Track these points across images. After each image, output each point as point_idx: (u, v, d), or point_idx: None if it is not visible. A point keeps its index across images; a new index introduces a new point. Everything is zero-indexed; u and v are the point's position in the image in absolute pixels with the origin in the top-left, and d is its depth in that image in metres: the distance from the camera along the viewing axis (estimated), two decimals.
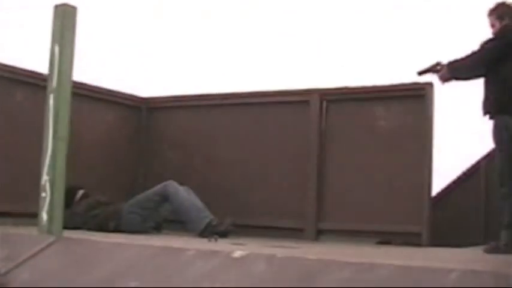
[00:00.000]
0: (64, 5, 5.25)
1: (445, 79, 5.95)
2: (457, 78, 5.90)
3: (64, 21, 5.22)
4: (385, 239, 7.03)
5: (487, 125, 5.83)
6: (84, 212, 6.98)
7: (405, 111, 6.91)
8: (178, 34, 13.16)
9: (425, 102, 6.74)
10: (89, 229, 6.71)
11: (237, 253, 3.97)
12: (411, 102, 6.90)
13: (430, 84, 6.73)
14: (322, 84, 7.48)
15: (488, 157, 8.67)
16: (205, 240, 5.80)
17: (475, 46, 5.83)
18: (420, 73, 6.08)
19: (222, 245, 5.07)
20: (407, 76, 7.04)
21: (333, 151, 7.25)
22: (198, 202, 6.85)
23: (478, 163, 8.78)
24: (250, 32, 12.81)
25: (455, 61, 5.82)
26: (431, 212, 6.82)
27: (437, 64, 5.95)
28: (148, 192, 7.06)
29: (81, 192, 7.25)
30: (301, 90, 7.50)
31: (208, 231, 6.37)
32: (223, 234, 6.34)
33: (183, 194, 6.86)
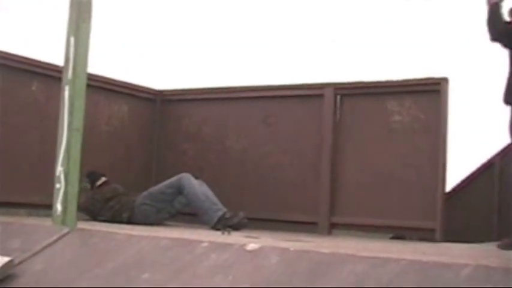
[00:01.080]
0: None
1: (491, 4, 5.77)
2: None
3: (80, 13, 5.23)
4: (399, 234, 7.03)
5: (501, 121, 5.80)
6: (104, 201, 7.04)
7: (419, 106, 6.88)
8: (194, 26, 13.17)
9: (439, 98, 6.71)
10: (103, 221, 6.75)
11: (250, 246, 3.98)
12: (425, 97, 6.87)
13: (444, 79, 6.72)
14: (336, 78, 7.47)
15: (503, 153, 8.65)
16: (218, 233, 5.81)
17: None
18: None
19: (235, 237, 5.08)
20: (422, 71, 7.04)
21: (346, 145, 7.24)
22: (211, 195, 6.86)
23: (492, 159, 8.75)
24: (265, 25, 12.81)
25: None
26: (445, 208, 6.80)
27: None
28: (162, 185, 7.08)
29: (103, 179, 7.34)
30: (315, 84, 7.50)
31: (222, 224, 6.39)
32: (237, 227, 6.35)
33: (197, 186, 6.88)
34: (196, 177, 7.00)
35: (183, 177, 6.96)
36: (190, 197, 6.87)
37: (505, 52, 5.78)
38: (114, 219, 6.84)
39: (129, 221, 6.84)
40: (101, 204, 7.04)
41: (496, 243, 5.69)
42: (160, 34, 13.02)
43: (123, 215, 6.93)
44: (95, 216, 6.99)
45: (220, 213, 6.64)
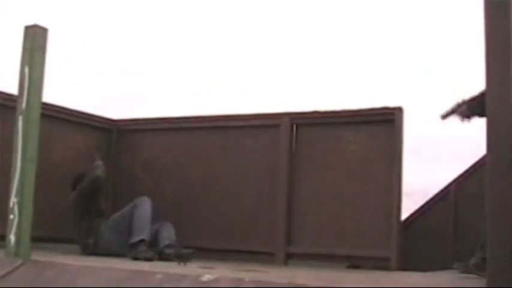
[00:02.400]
0: (35, 26, 5.24)
1: (464, 115, 5.88)
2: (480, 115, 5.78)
3: (34, 42, 5.21)
4: (355, 263, 7.04)
5: (457, 149, 5.86)
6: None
7: (375, 136, 6.93)
8: (149, 55, 13.17)
9: (394, 127, 6.75)
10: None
11: (206, 277, 3.97)
12: (381, 126, 6.91)
13: (399, 109, 6.77)
14: (292, 108, 7.49)
15: (458, 181, 8.73)
16: (174, 264, 5.77)
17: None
18: (444, 116, 6.00)
19: (190, 269, 5.05)
20: (377, 100, 7.09)
21: (303, 175, 7.25)
22: (156, 225, 6.94)
23: (448, 187, 8.83)
24: (220, 54, 12.85)
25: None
26: (401, 236, 6.83)
27: (460, 104, 5.89)
28: (122, 210, 7.04)
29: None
30: (272, 114, 7.51)
31: (136, 251, 6.48)
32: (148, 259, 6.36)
33: (147, 207, 6.86)
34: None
35: (143, 199, 6.95)
36: (135, 213, 6.84)
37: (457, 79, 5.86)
38: (83, 241, 6.90)
39: (95, 247, 6.85)
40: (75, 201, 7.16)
41: (451, 271, 5.73)
42: (114, 62, 13.00)
43: (89, 241, 6.92)
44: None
45: (141, 237, 6.67)
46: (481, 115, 5.74)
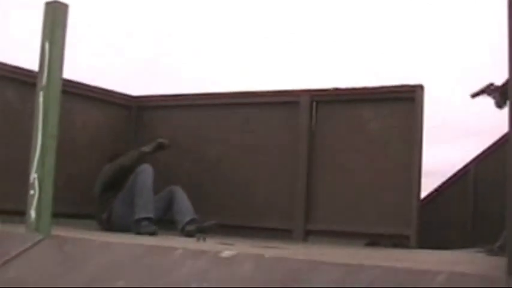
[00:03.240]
0: (55, 2, 5.24)
1: (499, 105, 5.84)
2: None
3: (55, 18, 5.20)
4: (374, 240, 7.04)
5: (477, 128, 5.84)
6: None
7: (394, 113, 6.91)
8: (170, 32, 13.16)
9: (414, 104, 6.73)
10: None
11: (225, 253, 3.97)
12: (400, 104, 6.89)
13: (420, 86, 6.74)
14: (312, 85, 7.48)
15: (477, 160, 8.71)
16: (193, 240, 5.79)
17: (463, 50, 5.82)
18: (473, 95, 5.97)
19: (210, 245, 5.07)
20: (398, 78, 7.06)
21: (322, 152, 7.24)
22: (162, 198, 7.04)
23: (467, 166, 8.80)
24: (241, 31, 12.83)
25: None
26: (421, 214, 6.82)
27: (491, 84, 5.85)
28: (127, 183, 7.05)
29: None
30: (291, 91, 7.50)
31: (139, 226, 6.54)
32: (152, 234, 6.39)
33: (147, 178, 6.87)
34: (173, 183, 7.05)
35: (142, 168, 6.98)
36: (137, 187, 6.87)
37: (479, 59, 5.82)
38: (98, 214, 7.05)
39: (108, 222, 6.90)
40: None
41: (470, 249, 5.72)
42: (136, 41, 13.00)
43: (103, 214, 6.97)
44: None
45: (141, 216, 6.69)
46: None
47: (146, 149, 7.26)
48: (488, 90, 5.88)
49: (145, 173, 6.88)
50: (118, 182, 7.05)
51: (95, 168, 7.71)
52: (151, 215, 6.66)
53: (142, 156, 7.22)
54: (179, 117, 8.22)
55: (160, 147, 7.33)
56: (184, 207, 6.90)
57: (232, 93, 7.91)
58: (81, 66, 8.21)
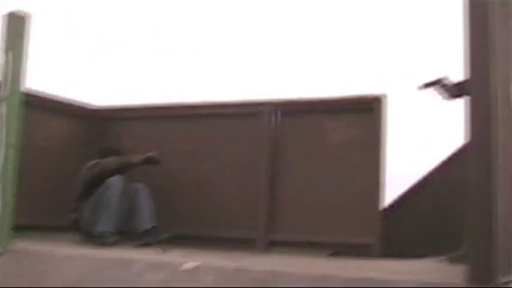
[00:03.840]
0: (17, 11, 5.21)
1: (452, 95, 5.86)
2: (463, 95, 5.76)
3: (17, 28, 5.18)
4: (337, 250, 7.05)
5: (440, 137, 5.87)
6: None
7: (357, 123, 6.93)
8: (132, 41, 13.10)
9: (376, 115, 6.76)
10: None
11: (186, 265, 3.96)
12: (363, 114, 6.91)
13: (382, 96, 6.77)
14: (274, 96, 7.48)
15: (440, 169, 8.76)
16: (156, 251, 5.76)
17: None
18: (425, 86, 5.98)
19: (172, 256, 5.05)
20: (359, 88, 7.09)
21: (284, 162, 7.24)
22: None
23: (430, 175, 8.85)
24: (202, 41, 12.80)
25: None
26: (384, 223, 6.85)
27: (443, 80, 5.87)
28: (97, 192, 6.97)
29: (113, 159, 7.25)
30: (254, 102, 7.50)
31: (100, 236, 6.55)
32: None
33: (114, 193, 6.80)
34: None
35: (112, 181, 6.90)
36: (104, 199, 6.81)
37: (441, 69, 5.86)
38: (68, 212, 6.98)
39: (76, 223, 6.85)
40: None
41: (433, 258, 5.74)
42: (98, 49, 12.92)
43: (71, 214, 6.91)
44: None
45: (103, 229, 6.67)
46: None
47: (134, 160, 7.19)
48: (441, 85, 5.88)
49: (115, 187, 6.82)
50: (94, 184, 6.99)
51: (57, 179, 7.67)
52: (112, 230, 6.64)
53: (128, 166, 7.17)
54: (142, 129, 8.18)
55: (149, 161, 7.25)
56: (145, 213, 6.88)
57: (195, 104, 7.90)
58: (43, 76, 8.14)
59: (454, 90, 5.79)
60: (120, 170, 7.05)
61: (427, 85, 5.94)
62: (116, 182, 6.84)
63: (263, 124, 7.32)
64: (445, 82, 5.85)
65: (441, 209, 8.49)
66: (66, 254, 4.77)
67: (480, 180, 3.52)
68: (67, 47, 12.15)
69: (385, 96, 6.80)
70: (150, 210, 6.95)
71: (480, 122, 3.59)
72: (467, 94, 5.69)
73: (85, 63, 12.47)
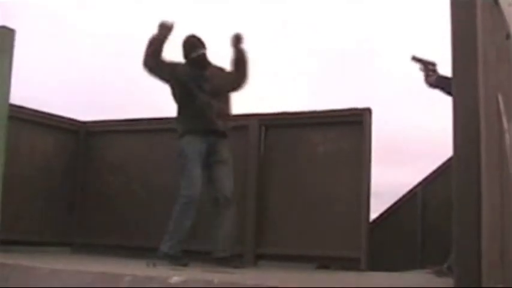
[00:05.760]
0: (1, 27, 5.20)
1: (430, 83, 5.91)
2: (443, 89, 5.81)
3: (1, 44, 5.17)
4: (324, 264, 7.06)
5: (425, 150, 5.91)
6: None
7: (343, 137, 6.95)
8: (119, 55, 13.11)
9: (362, 128, 6.78)
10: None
11: (174, 279, 3.95)
12: (348, 127, 6.94)
13: (367, 110, 6.80)
14: (261, 109, 7.50)
15: (425, 182, 8.80)
16: (143, 266, 5.75)
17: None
18: (414, 58, 5.99)
19: (159, 271, 5.04)
20: (346, 102, 7.12)
21: (271, 176, 7.25)
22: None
23: (416, 188, 8.89)
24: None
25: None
26: (370, 236, 6.86)
27: (433, 64, 5.91)
28: None
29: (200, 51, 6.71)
30: (240, 115, 7.49)
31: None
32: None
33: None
34: None
35: None
36: None
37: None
38: None
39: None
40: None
41: (419, 271, 5.76)
42: (85, 64, 12.93)
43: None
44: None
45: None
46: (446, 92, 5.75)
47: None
48: (427, 65, 5.94)
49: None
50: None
51: (43, 193, 7.67)
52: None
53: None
54: (127, 142, 8.18)
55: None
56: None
57: None
58: (30, 90, 8.13)
59: (436, 80, 5.85)
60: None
61: (417, 59, 5.97)
62: None
63: (250, 137, 7.32)
64: (432, 68, 5.90)
65: (427, 222, 8.54)
66: (52, 268, 4.74)
67: (465, 188, 3.53)
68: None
69: (370, 110, 6.83)
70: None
71: (464, 128, 3.61)
72: (443, 89, 5.76)
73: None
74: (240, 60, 6.71)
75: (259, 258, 7.19)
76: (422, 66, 5.98)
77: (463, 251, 3.50)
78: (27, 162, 7.73)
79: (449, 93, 5.49)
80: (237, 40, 6.68)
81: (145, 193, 7.88)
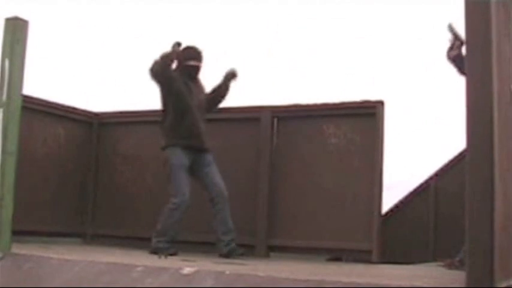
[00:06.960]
0: (15, 18, 5.21)
1: (450, 56, 5.86)
2: (459, 69, 5.78)
3: (15, 35, 5.18)
4: (336, 255, 7.06)
5: (438, 143, 5.88)
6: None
7: (355, 129, 6.93)
8: (134, 48, 13.12)
9: (375, 120, 6.77)
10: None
11: (186, 270, 3.97)
12: (361, 119, 6.92)
13: (380, 103, 6.78)
14: (273, 101, 7.48)
15: (439, 175, 8.77)
16: (155, 257, 5.77)
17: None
18: (450, 27, 5.92)
19: (171, 261, 5.05)
20: (359, 94, 7.09)
21: (284, 168, 7.25)
22: None
23: (429, 180, 8.87)
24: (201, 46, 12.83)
25: None
26: (382, 229, 6.85)
27: (462, 42, 5.84)
28: None
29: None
30: (253, 107, 7.50)
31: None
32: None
33: None
34: None
35: None
36: None
37: (437, 76, 5.86)
38: None
39: None
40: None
41: (432, 263, 5.76)
42: (97, 56, 12.94)
43: None
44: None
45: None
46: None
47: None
48: (456, 42, 5.87)
49: None
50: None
51: (55, 184, 7.69)
52: None
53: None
54: (140, 133, 8.18)
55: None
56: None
57: None
58: (43, 82, 8.14)
59: (457, 56, 5.79)
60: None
61: (451, 29, 5.90)
62: None
63: (262, 129, 7.32)
64: (459, 44, 5.83)
65: (439, 214, 8.51)
66: (65, 258, 4.76)
67: (479, 182, 3.52)
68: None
69: (383, 102, 6.81)
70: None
71: (478, 123, 3.59)
72: (459, 69, 5.70)
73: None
74: (223, 93, 7.12)
75: (271, 250, 7.20)
76: (452, 38, 5.92)
77: (475, 244, 3.49)
78: (40, 153, 7.74)
79: (463, 73, 5.48)
80: (231, 77, 7.09)
81: (157, 184, 7.89)
